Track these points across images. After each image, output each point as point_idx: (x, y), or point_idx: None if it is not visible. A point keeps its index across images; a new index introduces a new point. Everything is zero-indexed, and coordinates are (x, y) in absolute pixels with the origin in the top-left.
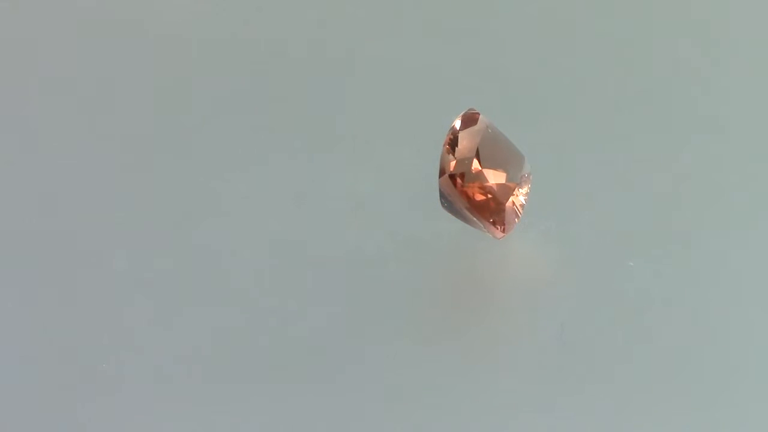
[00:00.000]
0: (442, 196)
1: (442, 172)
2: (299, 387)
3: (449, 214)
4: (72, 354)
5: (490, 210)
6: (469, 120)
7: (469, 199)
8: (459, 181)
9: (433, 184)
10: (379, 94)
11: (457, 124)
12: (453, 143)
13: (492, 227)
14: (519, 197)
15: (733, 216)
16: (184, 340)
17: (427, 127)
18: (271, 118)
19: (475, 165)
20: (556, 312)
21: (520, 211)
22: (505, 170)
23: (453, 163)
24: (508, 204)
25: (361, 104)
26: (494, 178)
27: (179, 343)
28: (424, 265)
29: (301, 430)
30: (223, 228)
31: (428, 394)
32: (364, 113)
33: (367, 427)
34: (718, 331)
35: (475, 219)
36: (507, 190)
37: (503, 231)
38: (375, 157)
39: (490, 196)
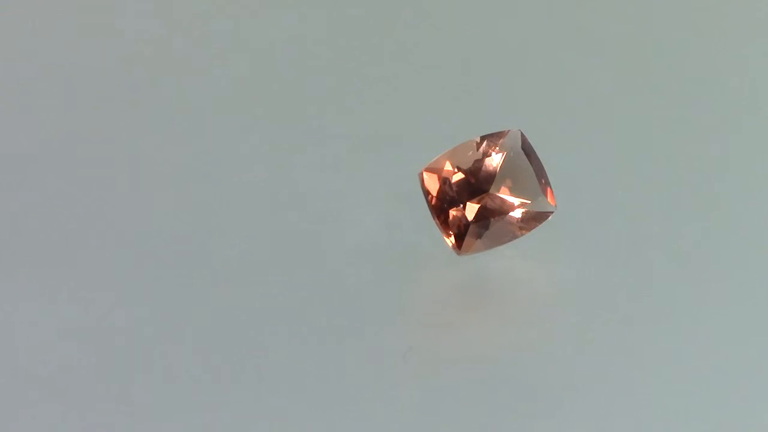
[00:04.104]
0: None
1: (426, 169)
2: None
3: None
4: None
5: (449, 223)
6: (502, 136)
7: (432, 201)
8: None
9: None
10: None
11: (491, 136)
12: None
13: (448, 240)
14: (502, 225)
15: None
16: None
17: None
18: (274, 118)
19: (458, 177)
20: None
21: (503, 239)
22: (497, 194)
23: (438, 166)
24: (472, 228)
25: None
26: (474, 197)
27: None
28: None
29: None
30: (217, 228)
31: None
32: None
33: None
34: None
35: (437, 224)
36: (484, 213)
37: (458, 248)
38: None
39: (457, 212)
